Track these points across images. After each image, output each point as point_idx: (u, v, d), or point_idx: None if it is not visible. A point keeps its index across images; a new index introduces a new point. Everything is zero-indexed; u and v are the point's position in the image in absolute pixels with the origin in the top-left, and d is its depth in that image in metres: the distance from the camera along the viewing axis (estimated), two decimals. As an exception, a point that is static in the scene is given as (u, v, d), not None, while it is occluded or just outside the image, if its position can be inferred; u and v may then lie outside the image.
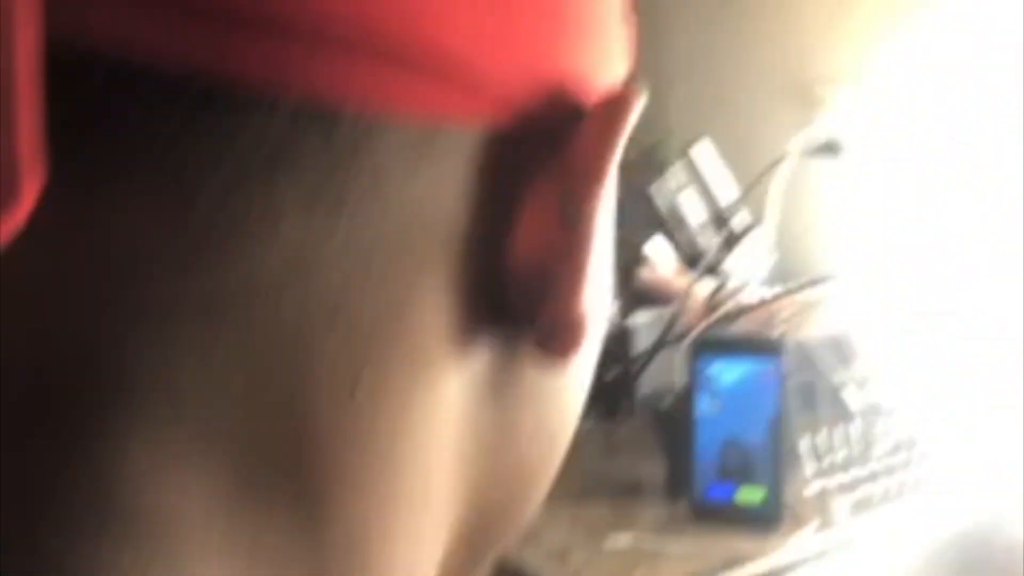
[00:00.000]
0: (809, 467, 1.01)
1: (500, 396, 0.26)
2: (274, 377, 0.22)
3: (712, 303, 1.15)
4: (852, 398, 0.96)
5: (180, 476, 0.21)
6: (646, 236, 1.32)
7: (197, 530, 0.21)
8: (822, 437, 1.00)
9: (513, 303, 0.24)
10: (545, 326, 0.24)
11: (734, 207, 1.34)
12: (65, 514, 0.21)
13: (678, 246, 1.32)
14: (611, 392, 1.25)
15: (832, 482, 1.01)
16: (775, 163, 1.28)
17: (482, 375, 0.25)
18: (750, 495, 1.00)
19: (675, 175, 1.32)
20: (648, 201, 1.28)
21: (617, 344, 1.24)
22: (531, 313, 0.24)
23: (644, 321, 1.27)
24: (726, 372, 1.02)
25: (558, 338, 0.25)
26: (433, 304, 0.23)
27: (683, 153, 1.36)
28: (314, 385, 0.22)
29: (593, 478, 1.16)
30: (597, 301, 0.25)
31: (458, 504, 0.26)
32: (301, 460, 0.22)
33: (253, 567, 0.22)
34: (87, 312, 0.21)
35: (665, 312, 1.24)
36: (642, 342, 1.24)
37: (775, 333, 1.02)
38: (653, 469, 1.10)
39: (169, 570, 0.21)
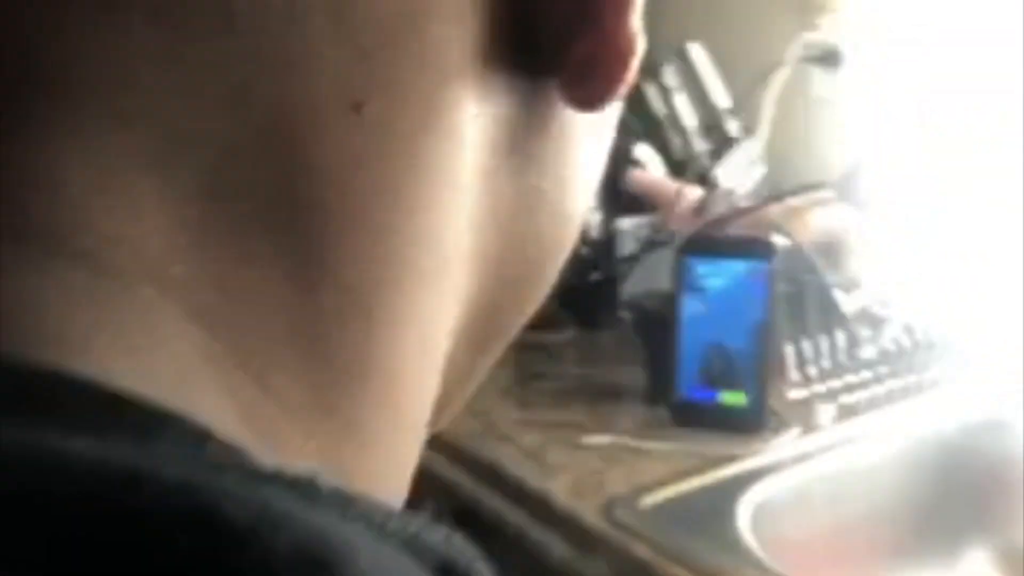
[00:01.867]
0: (794, 373, 0.99)
1: (521, 156, 0.23)
2: (261, 83, 0.19)
3: (701, 208, 1.12)
4: (843, 302, 0.94)
5: (133, 196, 0.18)
6: (633, 141, 1.28)
7: (154, 265, 0.18)
8: (809, 343, 0.98)
9: (544, 38, 0.22)
10: (584, 58, 0.22)
11: (726, 114, 1.31)
12: None
13: (668, 152, 1.29)
14: (594, 297, 1.22)
15: (817, 388, 1.00)
16: (770, 71, 1.25)
17: (503, 126, 0.22)
18: (732, 398, 0.98)
19: (668, 78, 1.29)
20: (640, 101, 1.24)
21: (602, 247, 1.22)
22: (565, 46, 0.21)
23: (631, 226, 1.24)
24: (713, 275, 1.00)
25: (599, 72, 0.22)
26: (455, 18, 0.20)
27: (677, 57, 1.32)
28: (313, 96, 0.19)
29: (572, 384, 1.14)
30: (637, 37, 0.22)
31: (471, 278, 0.23)
32: (290, 184, 0.19)
33: (226, 307, 0.19)
34: None
35: (654, 218, 1.21)
36: (629, 246, 1.22)
37: (766, 236, 0.99)
38: (634, 376, 1.09)
39: (114, 309, 0.18)
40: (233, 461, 0.16)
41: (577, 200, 0.25)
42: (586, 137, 0.24)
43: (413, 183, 0.21)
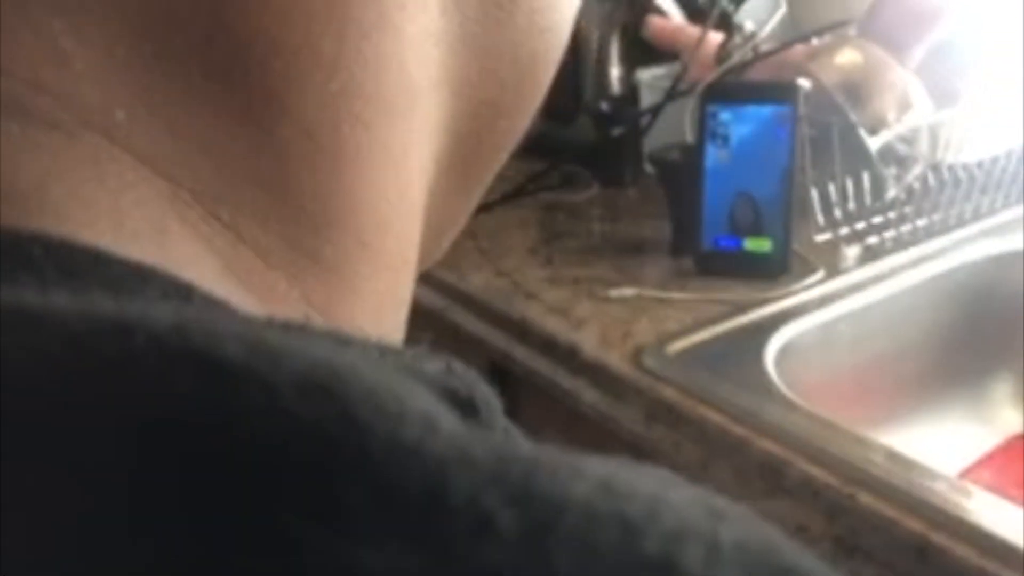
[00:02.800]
0: (820, 216, 0.98)
1: None
2: None
3: (723, 53, 1.09)
4: (868, 142, 0.93)
5: (46, 37, 0.17)
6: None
7: (92, 112, 0.17)
8: (834, 186, 0.97)
9: None
10: None
11: (747, -44, 1.26)
12: None
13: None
14: (616, 152, 1.21)
15: (842, 231, 1.00)
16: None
17: None
18: (757, 244, 0.98)
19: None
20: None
21: (623, 102, 1.20)
22: None
23: (651, 77, 1.22)
24: (737, 122, 0.98)
25: None
26: None
27: None
28: None
29: (596, 240, 1.15)
30: None
31: (444, 106, 0.22)
32: (225, 14, 0.18)
33: (182, 152, 0.18)
34: None
35: (674, 67, 1.19)
36: (649, 98, 1.20)
37: (790, 79, 0.97)
38: (659, 230, 1.09)
39: (64, 160, 0.17)
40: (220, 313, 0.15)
41: (556, 10, 0.23)
42: None
43: (362, 5, 0.19)
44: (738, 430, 0.72)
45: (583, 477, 0.13)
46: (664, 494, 0.13)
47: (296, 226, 0.19)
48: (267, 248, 0.19)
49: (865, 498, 0.66)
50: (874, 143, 0.94)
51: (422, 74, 0.21)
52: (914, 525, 0.63)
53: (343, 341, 0.16)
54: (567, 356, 0.88)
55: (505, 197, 1.13)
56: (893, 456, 0.69)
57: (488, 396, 0.17)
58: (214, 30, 0.18)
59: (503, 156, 0.26)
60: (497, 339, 0.95)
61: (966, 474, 0.94)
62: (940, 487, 0.65)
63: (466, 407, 0.16)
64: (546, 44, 0.24)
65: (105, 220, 0.16)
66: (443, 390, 0.16)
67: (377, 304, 0.21)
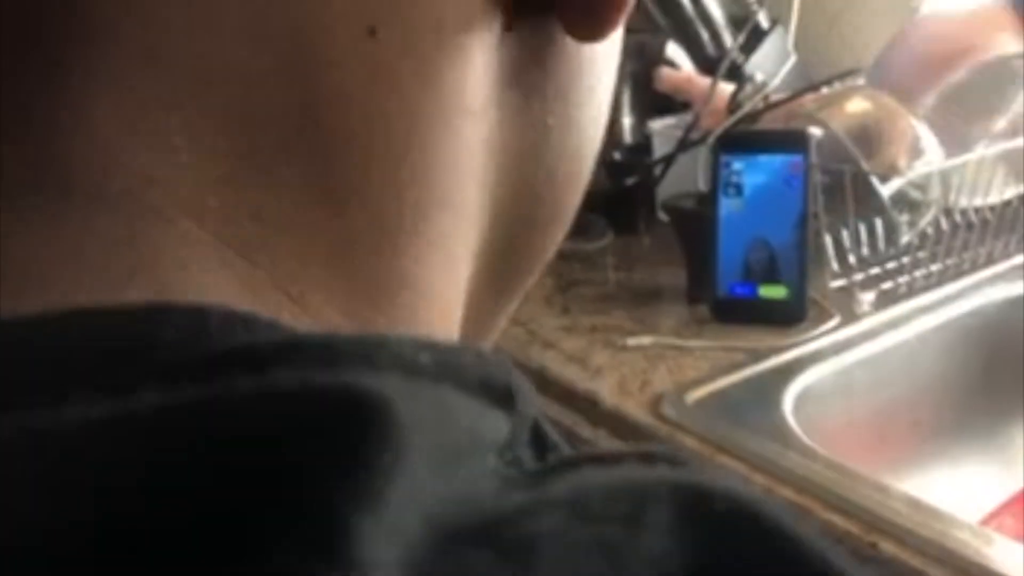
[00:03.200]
0: (834, 263, 0.99)
1: (526, 89, 0.23)
2: (277, 11, 0.19)
3: (734, 103, 1.11)
4: (880, 189, 0.94)
5: (164, 134, 0.19)
6: (663, 40, 1.27)
7: (190, 200, 0.19)
8: (847, 232, 0.98)
9: None
10: None
11: (754, 6, 1.29)
12: (20, 182, 0.18)
13: (698, 48, 1.27)
14: (630, 201, 1.23)
15: (857, 277, 1.00)
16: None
17: (508, 58, 0.23)
18: (773, 292, 0.99)
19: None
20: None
21: (636, 151, 1.22)
22: None
23: (664, 126, 1.24)
24: (749, 170, 1.00)
25: (598, 2, 0.22)
26: None
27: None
28: (328, 21, 0.19)
29: (612, 289, 1.15)
30: None
31: (487, 210, 0.24)
32: (313, 111, 0.20)
33: (263, 235, 0.19)
34: None
35: (686, 117, 1.20)
36: (662, 147, 1.22)
37: (801, 128, 0.99)
38: (674, 277, 1.10)
39: (153, 248, 0.18)
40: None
41: (585, 137, 0.26)
42: (590, 71, 0.25)
43: (429, 106, 0.21)
44: (759, 479, 0.73)
45: None
46: None
47: (356, 300, 0.21)
48: (327, 320, 0.20)
49: (887, 546, 0.66)
50: (886, 190, 0.95)
51: (473, 177, 0.23)
52: (937, 574, 0.63)
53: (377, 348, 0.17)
54: (586, 406, 0.89)
55: (521, 247, 1.14)
56: (914, 503, 0.69)
57: (520, 382, 0.18)
58: (304, 125, 0.20)
59: (536, 271, 0.28)
60: (516, 389, 0.96)
61: (987, 520, 0.93)
62: (963, 535, 0.65)
63: (503, 396, 0.18)
64: (579, 167, 0.26)
65: (180, 298, 0.18)
66: (480, 380, 0.17)
67: None
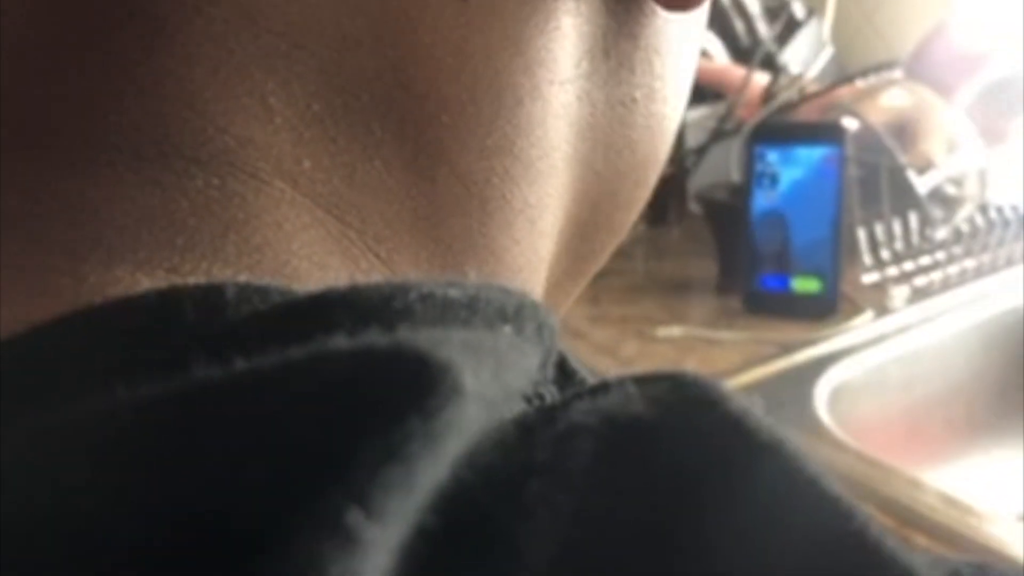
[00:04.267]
0: (868, 257, 0.99)
1: (614, 62, 0.23)
2: None
3: (769, 94, 1.10)
4: (916, 183, 0.93)
5: (261, 96, 0.19)
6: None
7: (284, 161, 0.19)
8: (882, 227, 0.97)
9: None
10: None
11: (791, -3, 1.28)
12: (119, 147, 0.18)
13: (733, 38, 1.27)
14: (662, 191, 1.22)
15: (890, 271, 1.00)
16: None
17: (597, 30, 0.23)
18: (805, 285, 0.98)
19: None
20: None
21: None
22: None
23: (698, 116, 1.23)
24: (784, 162, 0.99)
25: None
26: None
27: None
28: None
29: (643, 279, 1.15)
30: None
31: (571, 183, 0.24)
32: (405, 74, 0.20)
33: (355, 197, 0.20)
34: None
35: (719, 107, 1.20)
36: (695, 138, 1.21)
37: (837, 120, 0.98)
38: (705, 269, 1.09)
39: (248, 208, 0.19)
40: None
41: (668, 111, 0.25)
42: (676, 45, 0.25)
43: (519, 73, 0.21)
44: (791, 471, 0.72)
45: None
46: None
47: (442, 264, 0.21)
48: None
49: (921, 540, 0.65)
50: (922, 184, 0.94)
51: (560, 146, 0.23)
52: (971, 569, 0.62)
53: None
54: (617, 395, 0.89)
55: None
56: (948, 499, 0.68)
57: (547, 314, 0.19)
58: (395, 88, 0.20)
59: (609, 251, 0.28)
60: (545, 378, 0.96)
61: (1021, 516, 0.93)
62: (996, 529, 0.65)
63: (534, 329, 0.18)
64: (659, 144, 0.26)
65: (270, 262, 0.19)
66: (514, 316, 0.17)
67: None
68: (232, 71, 0.19)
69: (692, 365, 0.91)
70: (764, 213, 1.00)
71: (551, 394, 0.18)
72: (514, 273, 0.23)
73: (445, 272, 0.21)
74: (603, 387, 0.17)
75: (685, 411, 0.16)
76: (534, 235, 0.23)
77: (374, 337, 0.15)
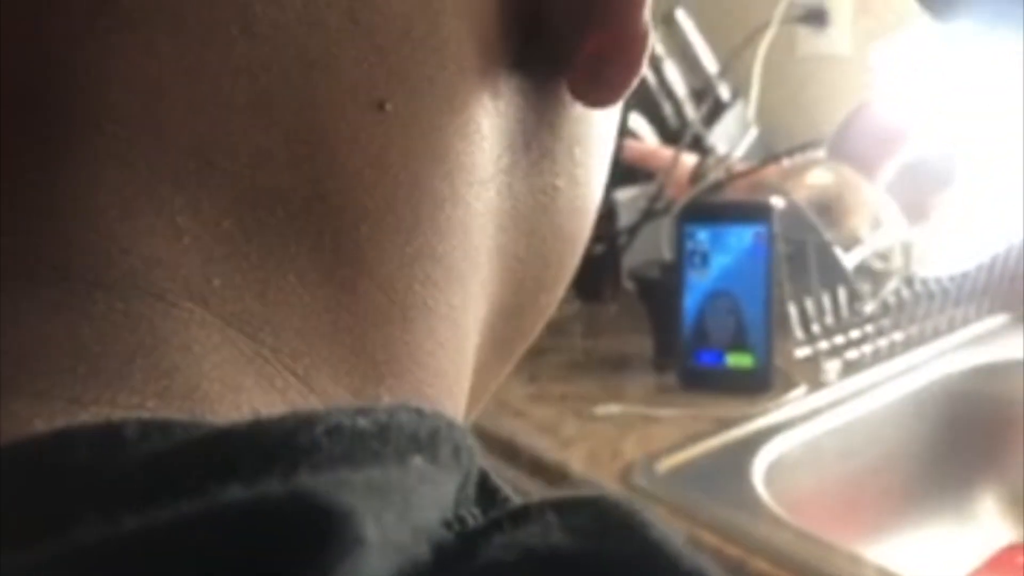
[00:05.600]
0: (799, 331, 1.00)
1: (536, 154, 0.23)
2: (284, 86, 0.19)
3: (697, 174, 1.13)
4: (843, 258, 0.95)
5: (168, 214, 0.18)
6: (627, 112, 1.29)
7: (192, 281, 0.18)
8: (811, 301, 0.99)
9: (554, 34, 0.22)
10: (595, 55, 0.22)
11: (716, 79, 1.32)
12: (16, 273, 0.18)
13: (661, 120, 1.30)
14: (597, 269, 1.23)
15: (822, 345, 1.01)
16: (757, 32, 1.25)
17: (517, 123, 0.23)
18: (739, 360, 0.99)
19: (656, 46, 1.29)
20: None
21: (602, 220, 1.23)
22: (575, 42, 0.22)
23: (629, 196, 1.25)
24: (713, 240, 1.01)
25: (609, 68, 0.22)
26: (467, 14, 0.21)
27: (663, 24, 1.32)
28: (336, 96, 0.19)
29: (580, 356, 1.16)
30: (647, 32, 0.22)
31: (495, 277, 0.24)
32: (321, 187, 0.19)
33: (268, 313, 0.19)
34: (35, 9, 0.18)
35: (649, 187, 1.22)
36: (627, 217, 1.23)
37: (765, 199, 1.00)
38: (641, 345, 1.10)
39: (156, 332, 0.18)
40: None
41: (590, 195, 0.26)
42: (596, 130, 0.25)
43: (439, 178, 0.21)
44: (732, 551, 0.72)
45: None
46: None
47: (363, 377, 0.20)
48: (333, 398, 0.20)
49: (861, 617, 0.65)
50: (849, 260, 0.96)
51: (482, 244, 0.23)
52: (912, 644, 0.62)
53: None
54: (557, 477, 0.88)
55: (488, 316, 1.14)
56: (886, 573, 0.69)
57: (462, 435, 0.18)
58: (311, 201, 0.19)
59: (538, 328, 0.27)
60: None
61: (958, 588, 0.93)
62: (935, 604, 0.65)
63: (449, 453, 0.17)
64: (582, 224, 0.26)
65: (179, 387, 0.17)
66: (427, 443, 0.16)
67: None
68: (138, 190, 0.18)
69: (631, 443, 0.91)
70: (695, 290, 1.01)
71: (472, 516, 0.17)
72: (439, 378, 0.22)
73: (367, 386, 0.21)
74: (523, 514, 0.17)
75: (606, 542, 0.16)
76: (459, 336, 0.23)
77: (271, 486, 0.14)
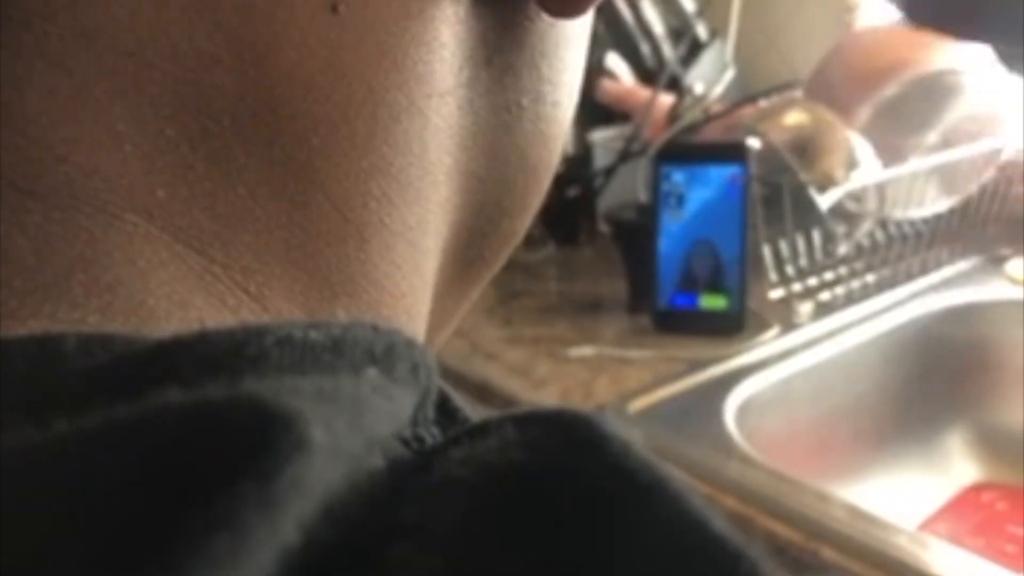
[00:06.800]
0: (773, 273, 1.00)
1: (498, 69, 0.22)
2: None
3: (674, 114, 1.12)
4: (818, 200, 0.95)
5: (107, 121, 0.17)
6: (604, 51, 1.28)
7: (136, 192, 0.17)
8: (786, 243, 0.99)
9: None
10: None
11: (694, 18, 1.30)
12: None
13: (638, 60, 1.28)
14: (572, 211, 1.23)
15: (795, 287, 1.01)
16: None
17: (478, 35, 0.21)
18: (713, 302, 1.00)
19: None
20: (608, 10, 1.23)
21: (578, 162, 1.22)
22: None
23: (605, 137, 1.24)
24: (689, 181, 1.00)
25: None
26: None
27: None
28: None
29: (554, 300, 1.15)
30: None
31: (455, 197, 0.23)
32: (270, 93, 0.18)
33: (218, 228, 0.18)
34: None
35: (626, 128, 1.21)
36: (602, 159, 1.22)
37: (741, 140, 1.00)
38: (615, 288, 1.10)
39: (96, 244, 0.17)
40: None
41: (556, 119, 0.25)
42: (563, 48, 0.24)
43: (395, 88, 0.20)
44: (701, 488, 0.73)
45: None
46: None
47: (318, 296, 0.20)
48: (287, 317, 0.19)
49: (828, 553, 0.66)
50: (824, 201, 0.96)
51: (440, 161, 0.22)
52: (877, 579, 0.63)
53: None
54: (528, 417, 0.88)
55: (463, 258, 1.13)
56: (854, 511, 0.69)
57: (422, 352, 0.17)
58: (260, 109, 0.18)
59: (503, 257, 0.26)
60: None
61: (924, 526, 0.95)
62: (901, 541, 0.66)
63: (407, 370, 0.16)
64: (548, 151, 0.25)
65: (123, 303, 0.17)
66: (383, 359, 0.16)
67: None
68: (72, 94, 0.17)
69: (604, 384, 0.92)
70: (670, 232, 1.01)
71: (432, 436, 0.16)
72: (396, 299, 0.21)
73: (321, 304, 0.20)
74: (482, 430, 0.16)
75: (564, 456, 0.15)
76: (417, 257, 0.22)
77: (212, 390, 0.14)
